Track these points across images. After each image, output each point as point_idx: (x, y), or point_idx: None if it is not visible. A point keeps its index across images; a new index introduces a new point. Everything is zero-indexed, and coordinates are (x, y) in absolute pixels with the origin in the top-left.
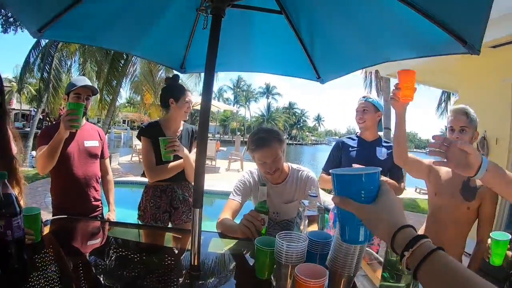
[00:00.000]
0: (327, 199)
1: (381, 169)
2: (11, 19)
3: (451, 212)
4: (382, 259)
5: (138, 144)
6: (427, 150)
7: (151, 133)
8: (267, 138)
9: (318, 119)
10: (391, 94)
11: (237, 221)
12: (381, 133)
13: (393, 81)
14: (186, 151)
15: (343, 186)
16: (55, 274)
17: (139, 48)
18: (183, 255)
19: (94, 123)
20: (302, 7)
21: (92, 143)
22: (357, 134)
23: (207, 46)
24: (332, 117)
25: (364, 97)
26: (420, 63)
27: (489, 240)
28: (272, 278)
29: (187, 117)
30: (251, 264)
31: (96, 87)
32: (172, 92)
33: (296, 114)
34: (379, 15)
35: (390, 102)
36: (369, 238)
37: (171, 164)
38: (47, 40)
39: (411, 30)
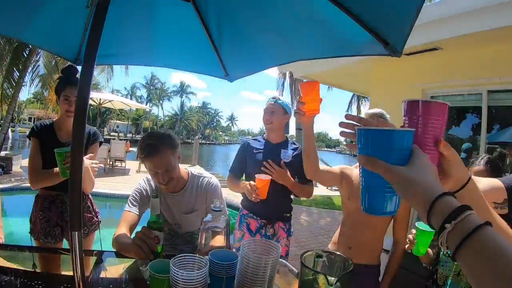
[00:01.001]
0: (235, 199)
1: (415, 129)
2: None
3: (365, 215)
4: (297, 271)
5: None
6: (337, 150)
7: (42, 134)
8: (157, 145)
9: (232, 119)
10: (295, 108)
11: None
12: (288, 135)
13: None
14: (86, 161)
15: (371, 144)
16: None
17: (28, 32)
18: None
19: None
20: None
21: None
22: (264, 136)
23: (89, 30)
24: (245, 117)
25: (273, 98)
26: (336, 66)
27: (413, 230)
28: None
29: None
30: None
31: None
32: (57, 86)
33: (210, 113)
34: (297, 10)
35: (295, 116)
36: (396, 208)
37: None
38: None
39: (330, 28)
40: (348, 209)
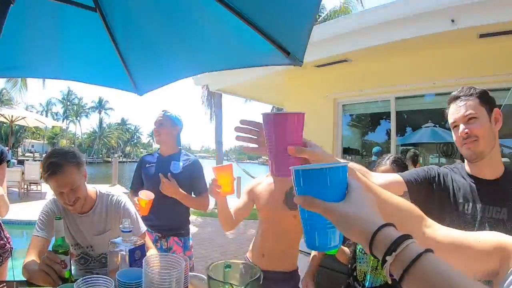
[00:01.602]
0: None
1: (349, 163)
2: None
3: (279, 224)
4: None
5: None
6: (259, 161)
7: None
8: (60, 163)
9: (152, 135)
10: (209, 188)
11: None
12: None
13: (224, 96)
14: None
15: (305, 183)
16: None
17: None
18: None
19: None
20: (120, 6)
21: None
22: (158, 150)
23: None
24: None
25: (163, 111)
26: (252, 79)
27: None
28: None
29: None
30: None
31: None
32: None
33: (130, 130)
34: (203, 24)
35: (210, 194)
36: (339, 241)
37: None
38: None
39: (236, 40)
40: (261, 219)
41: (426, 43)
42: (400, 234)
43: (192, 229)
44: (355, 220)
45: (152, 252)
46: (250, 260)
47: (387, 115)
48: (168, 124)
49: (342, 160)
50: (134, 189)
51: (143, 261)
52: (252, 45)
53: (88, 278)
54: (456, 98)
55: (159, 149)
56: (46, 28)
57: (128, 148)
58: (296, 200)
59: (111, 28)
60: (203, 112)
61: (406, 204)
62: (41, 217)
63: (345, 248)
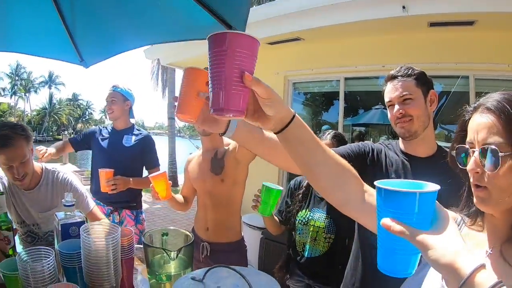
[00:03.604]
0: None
1: (439, 187)
2: None
3: (212, 193)
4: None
5: None
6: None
7: None
8: (11, 136)
9: (105, 111)
10: (151, 194)
11: None
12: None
13: (178, 71)
14: None
15: (392, 205)
16: None
17: None
18: None
19: None
20: None
21: None
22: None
23: None
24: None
25: (113, 86)
26: (204, 53)
27: (259, 189)
28: None
29: None
30: None
31: None
32: None
33: (81, 106)
34: None
35: (153, 200)
36: (416, 266)
37: None
38: None
39: (177, 12)
40: (197, 192)
41: (377, 27)
42: (496, 281)
43: (145, 205)
44: (449, 256)
45: None
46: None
47: (335, 95)
48: (120, 100)
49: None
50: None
51: (80, 229)
52: (195, 18)
53: (28, 250)
54: (394, 77)
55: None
56: None
57: (79, 125)
58: (385, 224)
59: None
60: (155, 88)
61: (349, 166)
62: None
63: (276, 218)
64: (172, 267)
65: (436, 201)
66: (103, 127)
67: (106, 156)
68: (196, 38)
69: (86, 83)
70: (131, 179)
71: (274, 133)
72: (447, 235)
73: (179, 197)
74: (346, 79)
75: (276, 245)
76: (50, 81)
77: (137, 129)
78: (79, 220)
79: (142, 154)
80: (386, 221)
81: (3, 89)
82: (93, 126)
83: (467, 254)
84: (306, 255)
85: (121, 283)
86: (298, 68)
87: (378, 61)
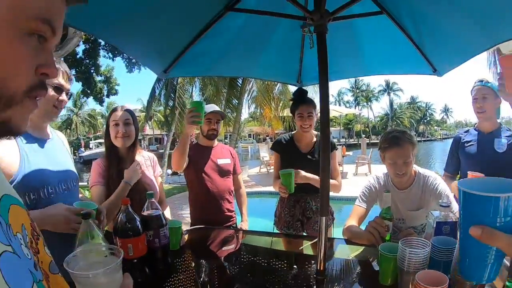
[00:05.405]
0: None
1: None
2: (134, 60)
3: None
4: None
5: (265, 156)
6: None
7: (281, 147)
8: (401, 138)
9: (446, 110)
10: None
11: (363, 227)
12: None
13: None
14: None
15: (475, 209)
16: (193, 275)
17: (255, 71)
18: (311, 261)
19: (221, 140)
20: (402, 1)
21: (224, 161)
22: (475, 126)
23: (318, 62)
24: (459, 106)
25: (481, 81)
26: None
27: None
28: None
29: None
30: (376, 271)
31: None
32: (291, 107)
33: (421, 108)
34: None
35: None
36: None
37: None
38: None
39: None
40: None
41: None
42: None
43: None
44: None
45: None
46: None
47: None
48: (492, 96)
49: None
50: (450, 172)
51: None
52: None
53: (409, 239)
54: None
55: (475, 124)
56: (350, 39)
57: (421, 127)
58: (474, 231)
59: (400, 22)
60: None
61: None
62: (364, 191)
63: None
64: None
65: None
66: (464, 132)
67: (475, 162)
68: None
69: (423, 86)
70: None
71: None
72: None
73: None
74: None
75: None
76: (388, 88)
77: (507, 130)
78: (452, 220)
79: None
80: (477, 230)
81: (348, 102)
82: (438, 130)
83: None
84: None
85: None
86: None
87: None
